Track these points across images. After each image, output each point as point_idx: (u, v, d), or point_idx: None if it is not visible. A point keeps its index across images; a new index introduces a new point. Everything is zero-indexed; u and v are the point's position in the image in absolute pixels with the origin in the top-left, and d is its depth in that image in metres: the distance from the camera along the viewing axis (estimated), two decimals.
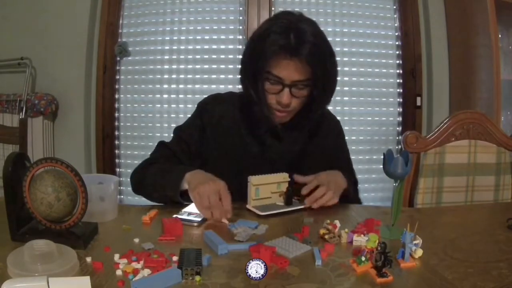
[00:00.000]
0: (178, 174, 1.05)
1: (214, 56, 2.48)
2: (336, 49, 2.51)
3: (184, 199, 1.05)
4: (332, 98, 1.14)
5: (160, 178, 1.08)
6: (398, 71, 2.57)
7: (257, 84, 1.08)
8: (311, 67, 1.02)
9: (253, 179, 1.04)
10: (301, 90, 1.07)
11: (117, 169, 2.57)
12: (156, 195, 1.11)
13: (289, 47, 1.00)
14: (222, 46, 2.47)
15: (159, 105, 2.52)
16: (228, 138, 1.19)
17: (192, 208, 1.02)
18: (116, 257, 0.73)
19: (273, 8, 2.45)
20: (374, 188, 2.60)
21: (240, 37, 2.46)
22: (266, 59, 1.03)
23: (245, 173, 1.06)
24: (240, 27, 2.47)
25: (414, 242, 0.75)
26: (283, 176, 1.09)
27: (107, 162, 2.54)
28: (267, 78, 1.05)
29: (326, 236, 0.85)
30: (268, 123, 1.14)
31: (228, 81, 2.46)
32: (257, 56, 1.05)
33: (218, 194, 0.98)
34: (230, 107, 1.21)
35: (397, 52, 2.56)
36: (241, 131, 1.18)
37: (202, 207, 0.97)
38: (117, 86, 2.53)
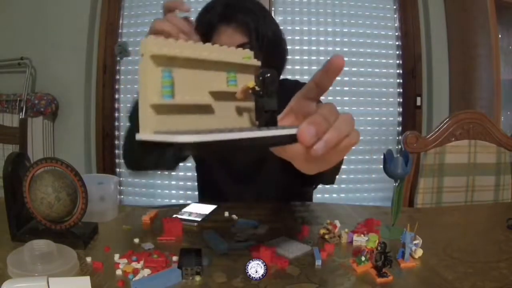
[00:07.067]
0: None
1: None
2: (337, 49, 2.53)
3: None
4: (283, 64, 1.15)
5: None
6: (398, 71, 2.57)
7: None
8: (248, 30, 1.06)
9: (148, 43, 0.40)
10: None
11: (117, 169, 2.57)
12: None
13: (225, 15, 1.06)
14: None
15: None
16: None
17: (192, 208, 1.02)
18: (116, 257, 0.73)
19: (273, 8, 2.45)
20: (374, 188, 2.60)
21: None
22: (209, 32, 1.07)
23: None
24: None
25: (414, 242, 0.75)
26: (235, 54, 0.49)
27: (107, 162, 2.54)
28: None
29: (326, 236, 0.85)
30: None
31: None
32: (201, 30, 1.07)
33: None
34: None
35: (397, 52, 2.56)
36: None
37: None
38: (117, 86, 2.53)
